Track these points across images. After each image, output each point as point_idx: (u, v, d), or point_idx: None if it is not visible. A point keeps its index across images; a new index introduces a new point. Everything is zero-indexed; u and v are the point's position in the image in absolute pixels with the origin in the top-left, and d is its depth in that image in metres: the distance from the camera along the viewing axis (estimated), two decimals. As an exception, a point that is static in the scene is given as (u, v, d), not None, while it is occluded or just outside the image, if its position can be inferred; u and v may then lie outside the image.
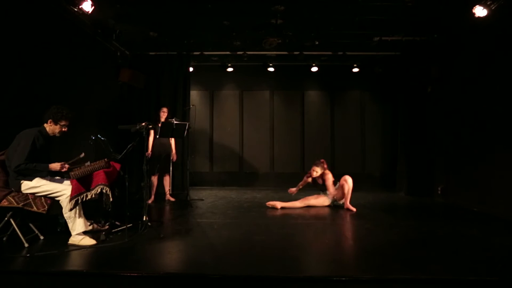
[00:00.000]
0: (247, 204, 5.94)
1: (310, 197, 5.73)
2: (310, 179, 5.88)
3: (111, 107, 6.83)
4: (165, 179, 6.25)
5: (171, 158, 6.16)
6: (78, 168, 3.50)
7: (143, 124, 4.27)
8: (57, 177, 3.62)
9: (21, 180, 3.41)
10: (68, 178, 3.54)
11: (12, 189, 3.45)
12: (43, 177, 3.50)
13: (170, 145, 6.13)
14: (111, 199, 3.60)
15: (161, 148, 5.96)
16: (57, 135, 3.68)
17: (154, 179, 6.07)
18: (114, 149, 4.20)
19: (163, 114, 6.08)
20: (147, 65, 7.40)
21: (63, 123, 3.64)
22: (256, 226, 4.36)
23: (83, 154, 3.70)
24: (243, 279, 2.71)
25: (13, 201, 3.38)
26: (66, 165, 3.52)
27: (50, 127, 3.63)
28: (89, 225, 3.74)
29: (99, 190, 3.51)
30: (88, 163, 3.64)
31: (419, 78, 6.96)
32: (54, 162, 3.52)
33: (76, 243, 3.42)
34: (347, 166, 8.34)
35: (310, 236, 4.11)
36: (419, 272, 2.79)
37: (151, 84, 7.43)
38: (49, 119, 3.60)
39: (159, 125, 5.91)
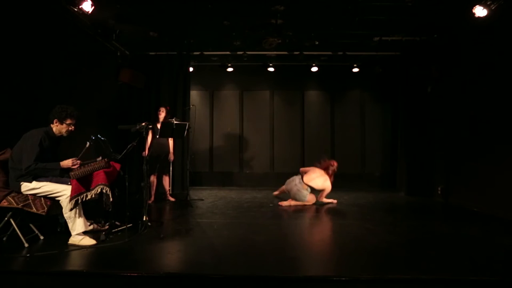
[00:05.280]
0: (247, 204, 5.94)
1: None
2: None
3: (111, 107, 6.83)
4: (164, 179, 6.25)
5: (169, 158, 6.15)
6: (78, 168, 3.50)
7: (143, 124, 4.27)
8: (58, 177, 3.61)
9: (21, 181, 3.41)
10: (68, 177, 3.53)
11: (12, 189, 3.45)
12: (54, 176, 3.49)
13: (168, 145, 6.12)
14: (111, 199, 3.59)
15: (159, 148, 5.93)
16: (64, 134, 3.66)
17: (153, 179, 6.05)
18: (114, 149, 4.19)
19: (162, 114, 6.07)
20: (147, 65, 7.40)
21: (68, 121, 3.61)
22: (256, 226, 4.36)
23: (88, 144, 3.69)
24: (243, 279, 2.71)
25: (13, 201, 3.38)
26: (78, 161, 3.52)
27: (56, 127, 3.62)
28: (89, 225, 3.74)
29: (99, 190, 3.51)
30: (100, 158, 3.64)
31: (419, 78, 6.96)
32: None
33: (76, 243, 3.42)
34: (347, 166, 8.33)
35: (310, 236, 4.11)
36: (419, 272, 2.79)
37: (151, 84, 7.43)
38: (54, 119, 3.58)
39: (158, 125, 5.92)
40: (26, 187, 3.41)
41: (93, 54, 6.04)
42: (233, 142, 8.52)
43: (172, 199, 6.27)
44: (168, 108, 6.31)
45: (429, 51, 6.67)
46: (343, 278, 2.67)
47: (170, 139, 6.11)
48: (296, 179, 5.81)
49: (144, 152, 5.84)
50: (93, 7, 4.79)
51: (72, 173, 3.45)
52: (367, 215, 5.09)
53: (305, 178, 5.75)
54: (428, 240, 3.80)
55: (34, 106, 4.32)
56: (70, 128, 3.65)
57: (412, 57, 6.97)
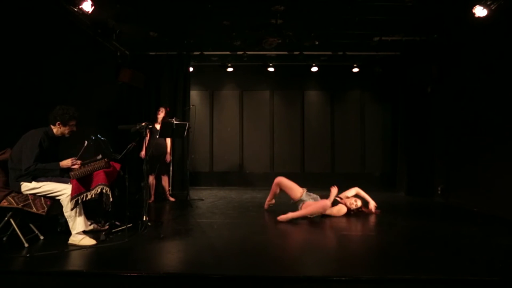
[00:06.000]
0: (247, 204, 5.94)
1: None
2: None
3: (111, 107, 6.83)
4: (163, 179, 6.25)
5: (165, 158, 6.15)
6: (78, 168, 3.50)
7: (143, 124, 4.27)
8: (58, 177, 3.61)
9: (21, 182, 3.41)
10: (68, 177, 3.53)
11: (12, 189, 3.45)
12: (55, 176, 3.49)
13: (165, 145, 6.12)
14: (111, 199, 3.59)
15: (157, 149, 5.90)
16: (67, 135, 3.67)
17: (152, 180, 6.04)
18: (114, 149, 4.19)
19: (160, 114, 6.07)
20: (147, 65, 7.40)
21: (72, 123, 3.62)
22: (256, 226, 4.36)
23: (86, 143, 3.70)
24: (243, 279, 2.71)
25: (13, 201, 3.38)
26: (78, 161, 3.52)
27: (59, 129, 3.62)
28: (89, 225, 3.74)
29: (99, 190, 3.51)
30: (100, 156, 3.65)
31: (419, 78, 6.95)
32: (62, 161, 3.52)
33: (76, 242, 3.41)
34: (347, 166, 8.36)
35: (310, 236, 4.11)
36: (419, 272, 2.79)
37: (151, 84, 7.44)
38: (57, 121, 3.57)
39: (156, 125, 5.92)
40: (26, 187, 3.41)
41: (93, 54, 6.04)
42: (233, 142, 8.52)
43: (172, 199, 6.27)
44: (168, 109, 6.31)
45: (429, 51, 6.67)
46: (343, 278, 2.67)
47: (168, 139, 6.11)
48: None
49: (141, 153, 5.87)
50: (93, 7, 4.79)
51: (72, 173, 3.45)
52: (367, 215, 5.08)
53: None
54: (428, 240, 3.80)
55: (34, 106, 4.32)
56: (72, 129, 3.67)
57: (412, 57, 6.97)
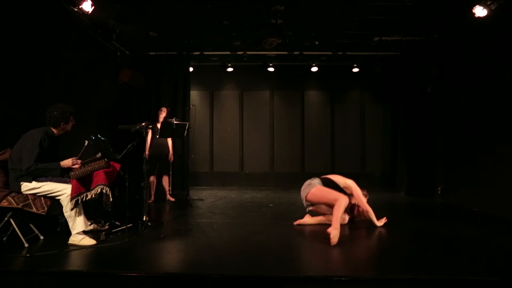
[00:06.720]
0: (247, 204, 5.94)
1: None
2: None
3: (111, 107, 6.83)
4: (164, 179, 6.25)
5: (169, 158, 6.15)
6: (79, 168, 3.50)
7: (143, 124, 4.26)
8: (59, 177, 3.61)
9: (21, 182, 3.41)
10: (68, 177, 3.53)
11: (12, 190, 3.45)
12: (55, 176, 3.50)
13: (167, 145, 6.12)
14: (111, 199, 3.60)
15: (159, 148, 5.92)
16: (70, 130, 3.77)
17: (153, 179, 6.04)
18: (114, 149, 4.19)
19: (162, 114, 6.08)
20: (147, 65, 7.40)
21: (72, 118, 3.71)
22: (256, 226, 4.36)
23: (86, 143, 3.75)
24: (243, 279, 2.71)
25: (13, 201, 3.38)
26: (78, 161, 3.53)
27: (63, 129, 3.68)
28: (89, 225, 3.74)
29: (99, 190, 3.51)
30: (99, 154, 3.66)
31: (419, 78, 6.95)
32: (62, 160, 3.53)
33: (76, 242, 3.41)
34: (347, 166, 8.36)
35: (310, 236, 4.11)
36: (419, 272, 2.79)
37: (151, 84, 7.44)
38: (61, 122, 3.63)
39: (158, 125, 5.92)
40: (26, 187, 3.41)
41: (93, 54, 6.04)
42: (233, 142, 8.53)
43: (172, 199, 6.27)
44: (169, 109, 6.32)
45: (429, 51, 6.67)
46: (343, 278, 2.67)
47: (169, 139, 6.11)
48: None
49: (145, 153, 5.86)
50: (93, 7, 4.79)
51: (72, 173, 3.45)
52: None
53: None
54: (428, 240, 3.80)
55: (34, 106, 4.31)
56: (73, 123, 3.75)
57: (412, 57, 6.97)
